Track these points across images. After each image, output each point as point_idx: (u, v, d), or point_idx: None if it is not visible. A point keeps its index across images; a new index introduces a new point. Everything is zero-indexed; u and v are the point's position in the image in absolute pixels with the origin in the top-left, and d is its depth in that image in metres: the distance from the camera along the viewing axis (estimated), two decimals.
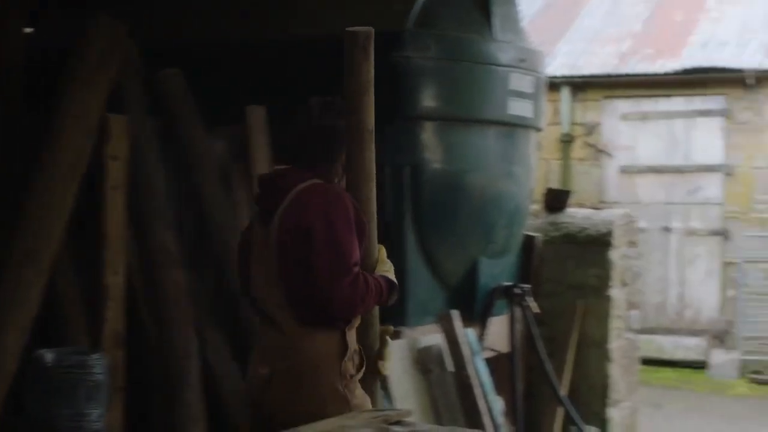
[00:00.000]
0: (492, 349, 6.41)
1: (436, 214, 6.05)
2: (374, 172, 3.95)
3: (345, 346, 3.73)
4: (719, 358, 12.44)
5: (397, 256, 5.91)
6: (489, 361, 6.25)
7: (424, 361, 5.90)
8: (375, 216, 3.93)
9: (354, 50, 3.96)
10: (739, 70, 12.69)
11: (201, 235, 5.63)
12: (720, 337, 12.79)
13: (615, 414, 7.05)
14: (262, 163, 5.68)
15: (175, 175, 5.59)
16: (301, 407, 3.61)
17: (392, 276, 3.91)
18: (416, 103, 6.02)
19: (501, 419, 6.14)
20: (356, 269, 3.65)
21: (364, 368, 3.80)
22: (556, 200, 7.31)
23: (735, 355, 12.33)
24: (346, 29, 4.02)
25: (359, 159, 3.91)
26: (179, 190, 5.61)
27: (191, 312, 5.29)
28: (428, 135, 6.10)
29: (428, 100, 6.09)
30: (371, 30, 4.01)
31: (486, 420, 5.88)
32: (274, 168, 4.21)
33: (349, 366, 3.74)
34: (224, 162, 5.76)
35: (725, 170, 12.83)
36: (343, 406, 3.65)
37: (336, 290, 3.58)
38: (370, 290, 3.68)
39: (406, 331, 5.86)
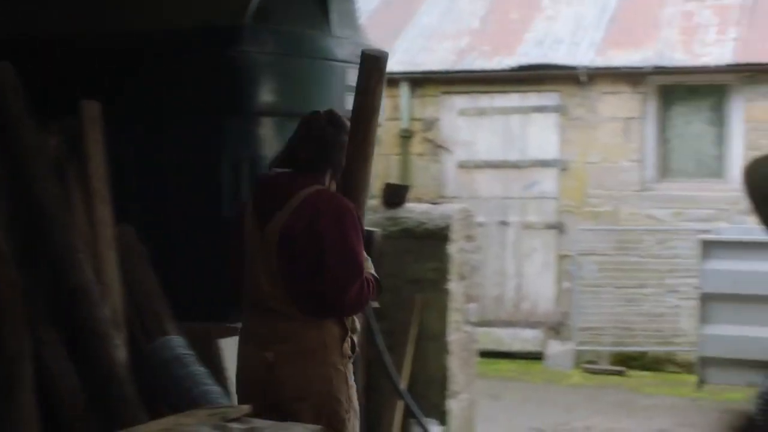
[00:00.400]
0: None
1: None
2: (370, 182, 4.54)
3: (345, 330, 4.30)
4: (555, 348, 12.73)
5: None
6: None
7: None
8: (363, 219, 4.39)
9: (373, 72, 4.45)
10: (573, 68, 13.01)
11: (34, 232, 5.49)
12: (556, 329, 13.10)
13: (454, 406, 7.16)
14: (96, 158, 5.57)
15: (5, 171, 5.42)
16: (308, 384, 4.18)
17: (373, 270, 4.42)
18: (254, 99, 6.01)
19: None
20: (364, 274, 4.20)
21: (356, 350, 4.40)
22: (394, 195, 7.37)
23: (570, 346, 12.64)
24: (365, 51, 4.56)
25: (363, 170, 4.44)
26: (10, 187, 5.45)
27: (25, 311, 5.16)
28: (267, 130, 6.09)
29: (266, 95, 6.08)
30: (387, 53, 4.56)
31: None
32: (275, 171, 4.47)
33: (347, 348, 4.31)
34: (58, 158, 5.63)
35: (560, 165, 13.14)
36: (343, 383, 4.28)
37: (347, 294, 4.13)
38: (370, 290, 4.24)
39: None
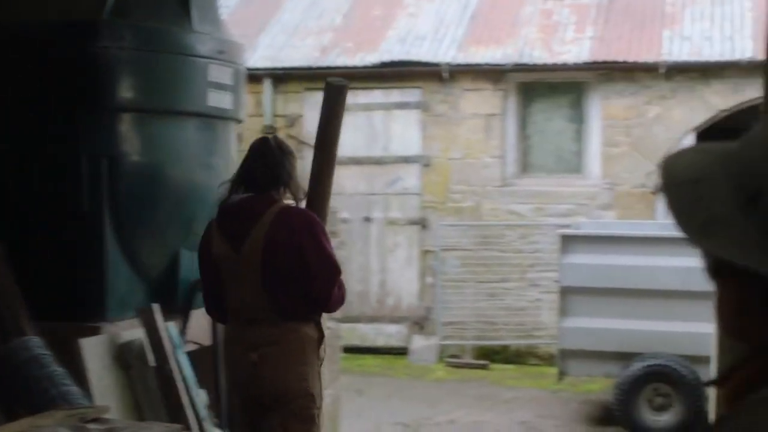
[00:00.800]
0: (194, 342, 6.34)
1: (135, 206, 5.95)
2: (331, 192, 5.19)
3: (322, 334, 4.91)
4: (419, 343, 12.84)
5: (94, 250, 5.79)
6: (191, 355, 6.18)
7: (124, 357, 5.77)
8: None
9: (337, 100, 5.09)
10: (435, 65, 13.13)
11: None
12: (420, 324, 13.20)
13: None
14: None
15: None
16: (286, 382, 4.74)
17: None
18: (113, 95, 5.90)
19: (205, 412, 6.09)
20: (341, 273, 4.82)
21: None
22: None
23: (434, 341, 12.76)
24: (328, 81, 5.22)
25: (326, 183, 5.14)
26: None
27: None
28: (126, 126, 5.99)
29: (125, 91, 5.98)
30: (347, 83, 5.21)
31: (189, 414, 5.82)
32: (234, 197, 4.90)
33: (322, 350, 4.90)
34: None
35: (423, 161, 13.25)
36: (316, 381, 4.87)
37: (331, 293, 4.76)
38: (345, 288, 4.89)
39: (106, 327, 5.74)
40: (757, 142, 1.26)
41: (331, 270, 4.76)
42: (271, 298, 4.72)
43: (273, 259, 4.68)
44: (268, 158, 4.88)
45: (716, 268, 1.30)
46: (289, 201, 4.92)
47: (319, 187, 5.15)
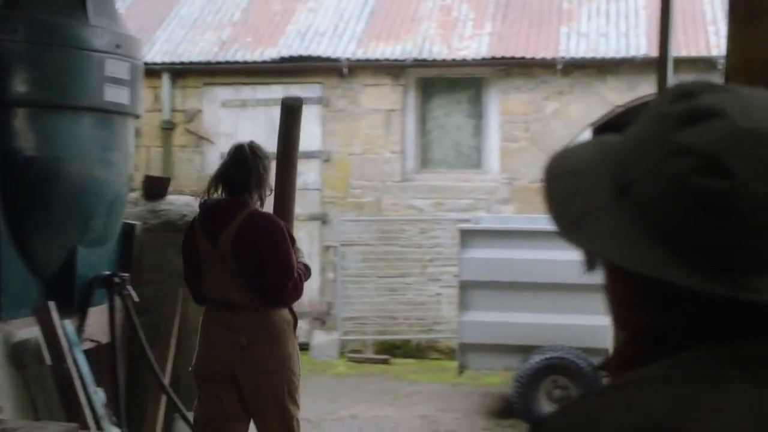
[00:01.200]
0: (92, 340, 6.26)
1: (30, 202, 5.85)
2: (295, 195, 6.00)
3: (295, 318, 5.63)
4: (320, 339, 12.83)
5: None
6: (89, 353, 6.11)
7: (19, 356, 5.67)
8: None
9: (294, 117, 6.02)
10: (335, 60, 13.13)
11: None
12: (321, 319, 13.19)
13: None
14: None
15: None
16: (275, 361, 5.42)
17: (304, 259, 5.78)
18: (6, 88, 5.79)
19: (103, 410, 6.01)
20: (297, 272, 5.42)
21: None
22: (155, 187, 7.24)
23: (335, 336, 12.77)
24: (284, 100, 6.06)
25: (289, 186, 5.96)
26: None
27: None
28: (20, 121, 5.88)
29: (19, 85, 5.86)
30: (302, 101, 6.11)
31: (87, 412, 5.74)
32: (214, 198, 5.51)
33: (296, 331, 5.62)
34: None
35: (323, 157, 13.24)
36: (297, 359, 5.60)
37: (286, 288, 5.37)
38: (302, 279, 5.48)
39: (0, 325, 5.62)
40: (633, 134, 1.27)
41: (284, 268, 5.35)
42: (246, 288, 5.37)
43: (241, 255, 5.34)
44: (242, 164, 5.45)
45: (591, 262, 1.31)
46: (257, 205, 5.55)
47: (282, 194, 5.90)
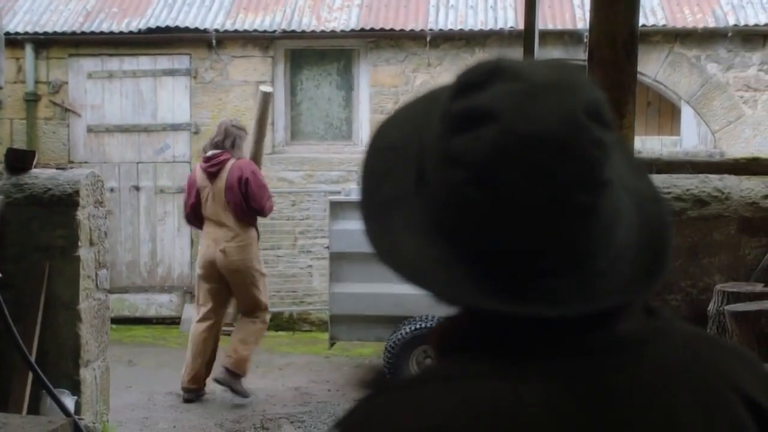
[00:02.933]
0: None
1: None
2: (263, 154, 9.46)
3: (258, 233, 8.99)
4: (191, 313, 12.71)
5: None
6: None
7: None
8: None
9: (267, 101, 9.36)
10: (203, 30, 13.00)
11: None
12: (192, 293, 13.09)
13: (87, 375, 7.00)
14: None
15: None
16: (244, 262, 8.71)
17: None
18: None
19: None
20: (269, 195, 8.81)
21: None
22: (19, 161, 7.06)
23: None
24: (261, 89, 9.61)
25: (259, 152, 9.30)
26: None
27: None
28: None
29: None
30: (271, 90, 9.72)
31: None
32: (212, 152, 8.79)
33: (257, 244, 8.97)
34: None
35: (192, 129, 13.11)
36: (258, 260, 8.93)
37: (266, 205, 8.73)
38: (271, 200, 8.91)
39: None
40: (433, 119, 1.22)
41: (263, 193, 8.70)
42: (233, 212, 8.63)
43: (231, 187, 8.59)
44: (224, 133, 8.79)
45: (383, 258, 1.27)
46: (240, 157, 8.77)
47: (257, 153, 9.20)
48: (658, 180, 6.81)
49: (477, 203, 1.13)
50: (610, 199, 1.15)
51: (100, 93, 13.21)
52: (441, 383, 1.17)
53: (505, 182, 1.12)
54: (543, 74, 1.17)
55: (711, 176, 6.93)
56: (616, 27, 4.66)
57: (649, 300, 1.25)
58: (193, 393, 8.92)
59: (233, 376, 8.86)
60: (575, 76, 1.18)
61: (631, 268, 1.19)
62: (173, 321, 12.86)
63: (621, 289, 1.18)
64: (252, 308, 8.96)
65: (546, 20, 12.60)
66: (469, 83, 1.19)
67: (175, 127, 13.16)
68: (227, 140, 8.68)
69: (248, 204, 8.57)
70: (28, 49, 13.12)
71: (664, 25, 12.72)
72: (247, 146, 8.98)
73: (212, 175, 8.62)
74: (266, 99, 9.23)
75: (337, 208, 9.37)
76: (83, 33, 13.19)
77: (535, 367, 1.14)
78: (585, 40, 10.90)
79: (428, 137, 1.21)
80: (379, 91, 12.99)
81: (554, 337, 1.16)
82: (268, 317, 9.20)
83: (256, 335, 9.07)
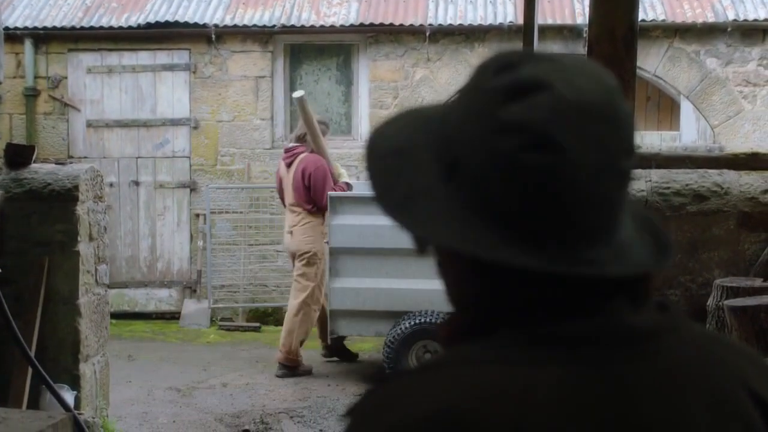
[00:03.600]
0: None
1: None
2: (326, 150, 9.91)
3: (323, 218, 9.58)
4: (191, 307, 12.76)
5: None
6: None
7: None
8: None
9: (304, 106, 9.70)
10: (203, 25, 13.00)
11: None
12: (191, 287, 13.11)
13: (86, 370, 7.01)
14: None
15: None
16: (306, 243, 9.64)
17: (347, 179, 9.95)
18: None
19: None
20: (331, 187, 9.55)
21: None
22: (18, 156, 7.06)
23: (205, 304, 12.70)
24: (293, 96, 10.31)
25: (320, 146, 9.72)
26: None
27: None
28: None
29: None
30: (304, 94, 9.95)
31: None
32: (291, 144, 9.95)
33: (325, 225, 9.58)
34: None
35: (191, 124, 13.11)
36: (321, 243, 9.65)
37: (324, 200, 9.41)
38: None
39: None
40: (454, 109, 1.24)
41: (321, 186, 9.52)
42: (301, 199, 9.61)
43: (297, 178, 9.60)
44: (300, 127, 9.84)
45: (421, 244, 1.29)
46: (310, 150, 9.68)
47: (321, 152, 9.76)
48: (658, 175, 6.82)
49: (534, 167, 1.14)
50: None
51: (99, 88, 13.21)
52: (453, 368, 1.17)
53: (563, 145, 1.14)
54: (569, 57, 1.23)
55: (710, 171, 6.93)
56: (616, 22, 4.67)
57: (660, 296, 1.26)
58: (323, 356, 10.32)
59: (288, 369, 9.65)
60: (590, 60, 1.27)
61: (642, 248, 1.24)
62: (173, 316, 12.87)
63: (644, 262, 1.22)
64: (300, 291, 9.71)
65: (545, 15, 12.60)
66: (506, 63, 1.21)
67: (175, 122, 13.16)
68: (307, 135, 9.64)
69: (310, 195, 9.56)
70: (28, 44, 13.12)
71: (663, 20, 12.71)
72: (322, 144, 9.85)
73: (288, 166, 9.69)
74: (301, 102, 9.64)
75: (336, 202, 9.36)
76: (82, 28, 13.19)
77: (547, 354, 1.15)
78: (584, 35, 10.91)
79: (456, 127, 1.22)
80: (379, 86, 12.99)
81: (566, 324, 1.17)
82: (314, 303, 9.75)
83: (302, 324, 9.68)
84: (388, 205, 1.25)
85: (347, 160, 12.67)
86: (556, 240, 1.16)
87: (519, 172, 1.15)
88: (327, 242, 9.41)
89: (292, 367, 9.65)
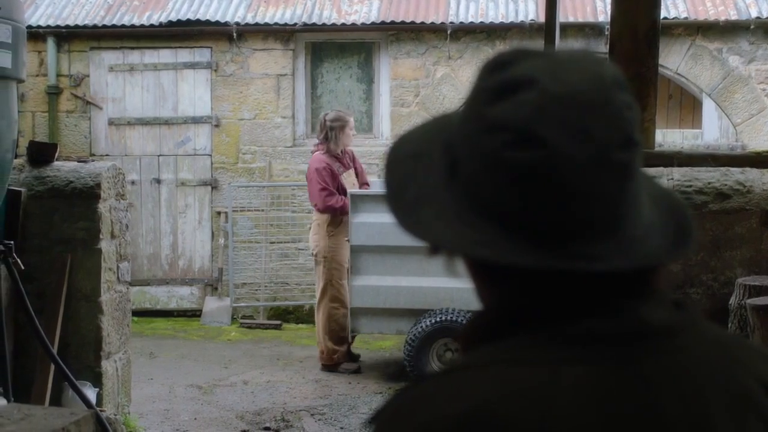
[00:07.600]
0: None
1: None
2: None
3: (334, 218, 9.58)
4: (212, 305, 12.79)
5: None
6: None
7: None
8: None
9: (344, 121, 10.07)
10: (225, 23, 13.02)
11: None
12: (213, 285, 13.14)
13: (108, 367, 7.04)
14: None
15: None
16: (317, 241, 9.66)
17: (356, 187, 9.92)
18: None
19: None
20: (327, 190, 9.55)
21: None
22: (41, 153, 7.10)
23: (227, 302, 12.73)
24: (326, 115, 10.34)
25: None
26: None
27: None
28: None
29: None
30: (351, 114, 10.48)
31: None
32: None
33: (331, 223, 9.66)
34: None
35: (213, 122, 13.14)
36: (324, 244, 9.58)
37: (318, 200, 9.58)
38: (340, 201, 9.49)
39: None
40: (461, 110, 1.25)
41: (312, 187, 9.62)
42: (310, 198, 9.88)
43: (306, 178, 9.94)
44: (321, 126, 9.89)
45: (432, 246, 1.28)
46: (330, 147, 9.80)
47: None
48: (680, 173, 6.79)
49: (519, 164, 1.14)
50: (640, 163, 1.20)
51: (121, 86, 13.25)
52: (479, 369, 1.18)
53: (547, 140, 1.13)
54: (567, 52, 1.23)
55: (732, 169, 6.89)
56: (638, 20, 4.66)
57: (681, 295, 1.26)
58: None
59: (329, 369, 9.79)
60: (595, 54, 1.24)
61: (660, 239, 1.22)
62: (194, 314, 12.90)
63: (654, 254, 1.21)
64: (321, 292, 9.76)
65: (567, 13, 12.57)
66: (500, 62, 1.23)
67: (196, 120, 13.18)
68: (321, 134, 9.81)
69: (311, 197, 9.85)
70: (50, 43, 13.17)
71: (685, 18, 12.66)
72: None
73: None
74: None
75: (357, 200, 9.36)
76: (104, 26, 13.23)
77: (569, 352, 1.16)
78: (606, 32, 10.85)
79: (456, 131, 1.23)
80: (400, 84, 12.99)
81: (584, 323, 1.17)
82: (332, 301, 9.69)
83: (326, 323, 9.71)
84: (397, 210, 1.26)
85: (368, 158, 12.66)
86: (550, 237, 1.15)
87: (504, 169, 1.15)
88: (348, 240, 9.39)
89: (330, 366, 9.78)
